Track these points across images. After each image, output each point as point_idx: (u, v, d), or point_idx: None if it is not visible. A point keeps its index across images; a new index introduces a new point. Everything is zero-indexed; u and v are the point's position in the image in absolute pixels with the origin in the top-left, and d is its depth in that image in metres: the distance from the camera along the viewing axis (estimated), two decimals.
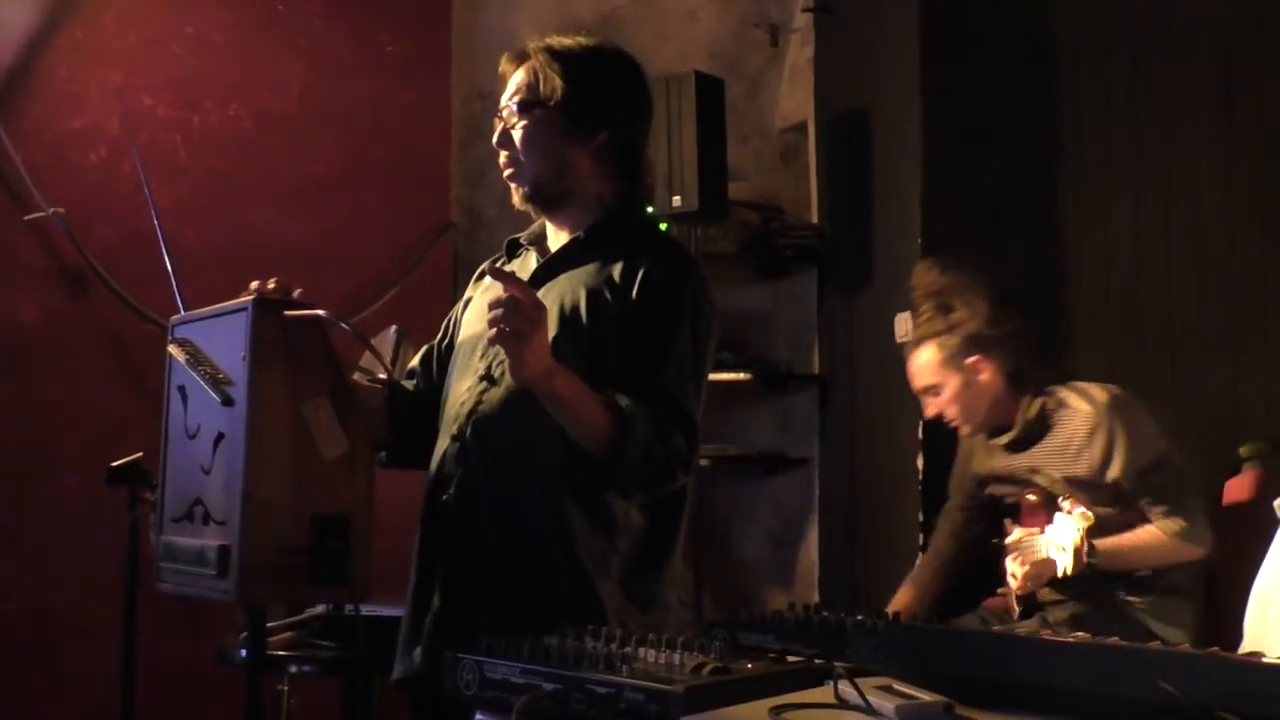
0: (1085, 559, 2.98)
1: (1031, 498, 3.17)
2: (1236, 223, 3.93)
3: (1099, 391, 3.17)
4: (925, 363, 3.29)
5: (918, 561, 3.61)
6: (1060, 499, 3.08)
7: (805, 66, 4.68)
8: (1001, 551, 3.21)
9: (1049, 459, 3.18)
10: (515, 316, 1.87)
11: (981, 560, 3.32)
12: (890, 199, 4.19)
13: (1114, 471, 3.08)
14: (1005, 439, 3.26)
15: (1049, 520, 3.10)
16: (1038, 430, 3.21)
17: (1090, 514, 3.00)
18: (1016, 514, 3.24)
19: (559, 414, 1.97)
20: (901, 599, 3.41)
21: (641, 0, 4.68)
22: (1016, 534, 3.15)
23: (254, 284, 2.01)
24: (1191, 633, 3.10)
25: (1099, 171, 4.00)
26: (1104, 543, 3.07)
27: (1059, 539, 3.03)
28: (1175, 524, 3.06)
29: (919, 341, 3.31)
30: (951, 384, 3.25)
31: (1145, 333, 3.95)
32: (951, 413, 3.30)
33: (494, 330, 1.88)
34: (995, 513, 3.37)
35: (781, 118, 4.77)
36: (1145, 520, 3.11)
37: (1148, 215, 3.98)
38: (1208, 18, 3.96)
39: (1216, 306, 3.93)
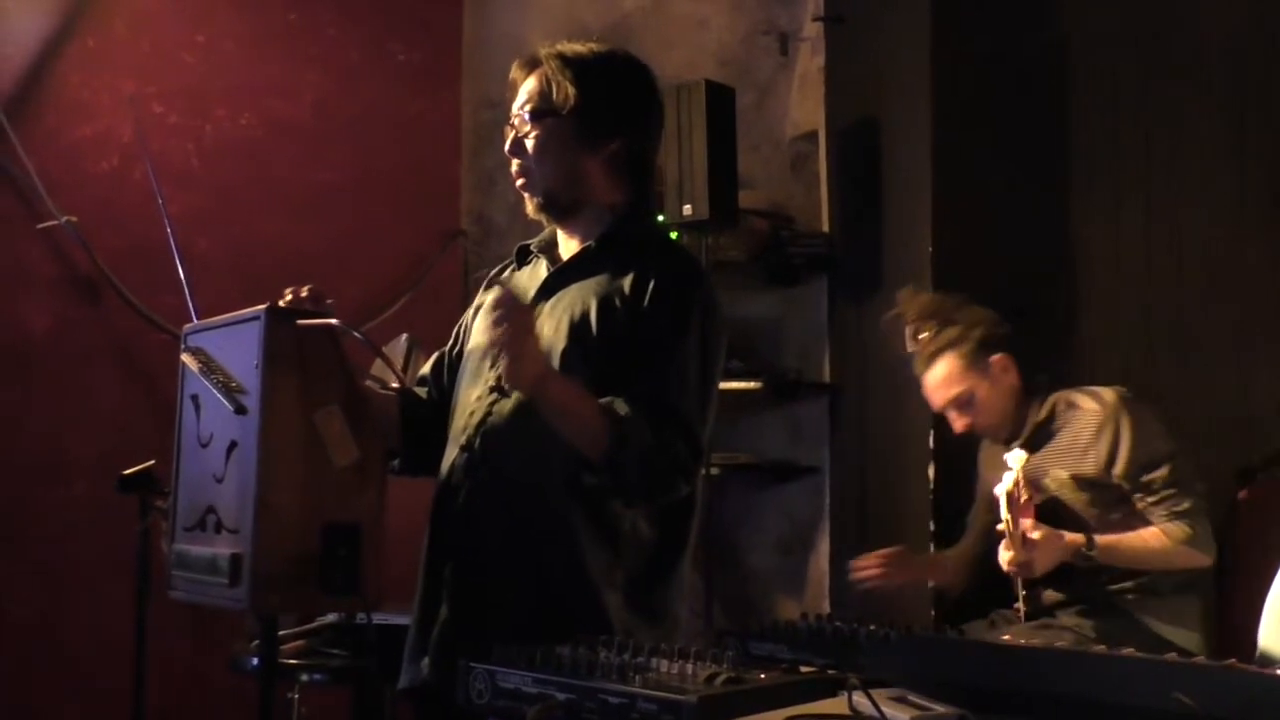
0: (1020, 494, 3.01)
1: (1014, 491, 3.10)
2: (1247, 227, 3.92)
3: (1108, 392, 3.18)
4: (947, 374, 3.26)
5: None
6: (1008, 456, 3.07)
7: (816, 75, 4.68)
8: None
9: (1057, 459, 3.17)
10: (509, 325, 1.89)
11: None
12: (901, 208, 4.18)
13: (1119, 468, 3.08)
14: (1021, 441, 3.23)
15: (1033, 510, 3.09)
16: (1046, 432, 3.21)
17: (1021, 453, 3.03)
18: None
19: (556, 420, 1.97)
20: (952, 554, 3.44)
21: (651, 8, 4.68)
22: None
23: (288, 292, 2.02)
24: (1202, 633, 3.10)
25: (1110, 178, 4.00)
26: (1105, 538, 3.07)
27: (999, 489, 3.05)
28: (1180, 530, 3.05)
29: (932, 357, 3.28)
30: (980, 388, 3.25)
31: (1155, 339, 3.94)
32: (983, 419, 3.28)
33: (493, 336, 1.90)
34: None
35: (792, 126, 4.76)
36: (1148, 524, 3.09)
37: (1158, 221, 3.97)
38: (1217, 23, 3.95)
39: (1227, 312, 3.92)
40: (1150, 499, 3.08)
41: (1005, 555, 3.09)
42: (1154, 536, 3.07)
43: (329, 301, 2.02)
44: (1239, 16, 3.94)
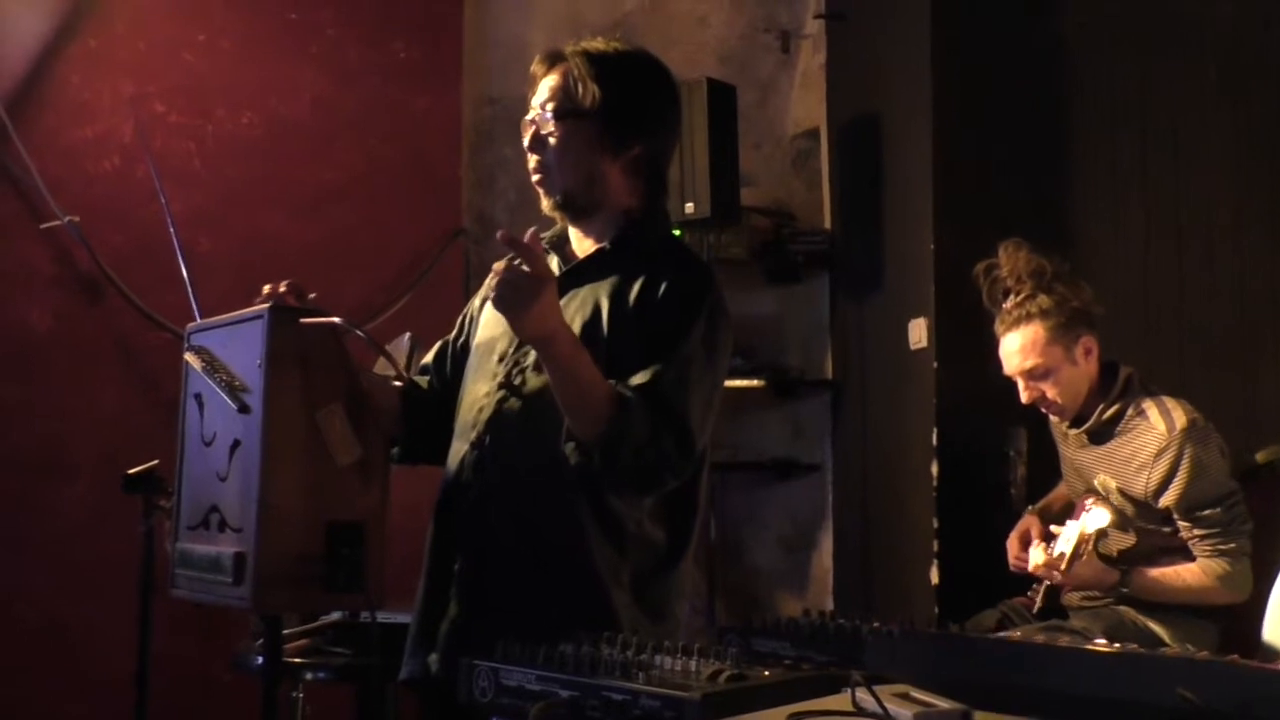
0: (1085, 552, 3.00)
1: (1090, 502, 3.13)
2: (1248, 224, 3.93)
3: (1180, 414, 3.07)
4: (1028, 342, 3.12)
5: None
6: (1086, 499, 3.06)
7: (817, 72, 4.68)
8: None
9: (1112, 466, 3.13)
10: (514, 291, 1.88)
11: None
12: (902, 205, 4.18)
13: (1167, 500, 3.04)
14: (1085, 428, 3.18)
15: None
16: (1110, 430, 3.14)
17: (1108, 514, 3.00)
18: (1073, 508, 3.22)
19: (561, 382, 1.95)
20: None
21: (651, 6, 4.68)
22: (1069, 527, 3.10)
23: (267, 287, 2.01)
24: (1213, 653, 3.07)
25: (1110, 175, 4.00)
26: (1141, 576, 3.07)
27: (1070, 532, 3.03)
28: (1219, 566, 3.03)
29: (1018, 322, 3.14)
30: (1061, 366, 3.12)
31: (1156, 336, 3.94)
32: (1053, 394, 3.15)
33: (494, 295, 1.90)
34: None
35: (793, 124, 4.77)
36: (1187, 550, 3.08)
37: (1158, 218, 3.97)
38: (1216, 18, 3.96)
39: (1228, 309, 3.92)
40: (1197, 531, 3.05)
41: (1040, 558, 3.09)
42: (1192, 574, 3.05)
43: (311, 295, 2.01)
44: (1237, 12, 3.94)
